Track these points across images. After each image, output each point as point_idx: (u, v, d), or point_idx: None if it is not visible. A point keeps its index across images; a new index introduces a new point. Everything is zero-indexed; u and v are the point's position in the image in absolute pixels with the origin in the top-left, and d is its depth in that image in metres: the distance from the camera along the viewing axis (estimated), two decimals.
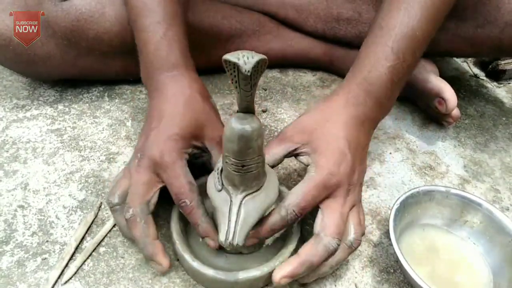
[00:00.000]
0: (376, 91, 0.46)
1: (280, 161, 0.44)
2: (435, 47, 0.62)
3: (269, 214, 0.40)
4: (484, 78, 0.82)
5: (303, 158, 0.43)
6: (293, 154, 0.44)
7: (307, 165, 0.42)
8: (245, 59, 0.28)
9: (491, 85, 0.80)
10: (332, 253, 0.39)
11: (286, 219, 0.39)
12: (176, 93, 0.45)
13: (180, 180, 0.40)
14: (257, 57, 0.28)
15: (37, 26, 0.56)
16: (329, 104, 0.46)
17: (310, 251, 0.39)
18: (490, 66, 0.82)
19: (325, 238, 0.39)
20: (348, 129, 0.44)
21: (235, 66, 0.28)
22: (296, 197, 0.39)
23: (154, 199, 0.42)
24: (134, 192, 0.41)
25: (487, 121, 0.71)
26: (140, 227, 0.40)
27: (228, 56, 0.28)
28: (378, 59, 0.46)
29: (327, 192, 0.40)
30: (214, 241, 0.40)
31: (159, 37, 0.47)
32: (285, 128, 0.45)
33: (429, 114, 0.68)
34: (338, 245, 0.39)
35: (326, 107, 0.46)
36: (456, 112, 0.62)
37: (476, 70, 0.84)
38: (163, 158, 0.41)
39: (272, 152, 0.44)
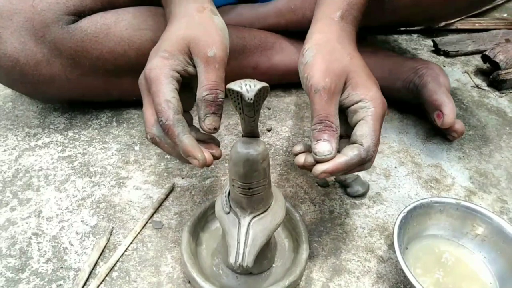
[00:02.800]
0: (356, 14, 0.49)
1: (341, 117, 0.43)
2: (417, 7, 0.66)
3: (344, 154, 0.40)
4: (486, 88, 0.83)
5: (346, 99, 0.42)
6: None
7: (352, 104, 0.42)
8: (247, 87, 0.29)
9: (493, 95, 0.81)
10: (366, 163, 0.41)
11: (364, 160, 0.40)
12: (180, 13, 0.46)
13: (159, 97, 0.40)
14: (259, 85, 0.30)
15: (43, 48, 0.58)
16: (330, 37, 0.46)
17: (353, 159, 0.39)
18: (491, 76, 0.82)
19: (369, 152, 0.40)
20: (359, 54, 0.46)
21: (238, 94, 0.30)
22: (372, 138, 0.40)
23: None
24: (144, 118, 0.42)
25: (491, 132, 0.71)
26: (171, 130, 0.39)
27: (231, 86, 0.30)
28: None
29: (383, 118, 0.42)
30: (197, 160, 0.39)
31: None
32: (322, 82, 0.41)
33: (433, 126, 0.69)
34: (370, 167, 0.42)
35: (329, 40, 0.46)
36: (459, 126, 0.63)
37: (478, 81, 0.85)
38: (149, 75, 0.41)
39: (332, 113, 0.41)
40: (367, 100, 0.41)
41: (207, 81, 0.41)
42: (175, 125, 0.39)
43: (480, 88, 0.83)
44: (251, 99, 0.29)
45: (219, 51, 0.43)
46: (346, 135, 0.43)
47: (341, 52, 0.44)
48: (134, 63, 0.52)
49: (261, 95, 0.30)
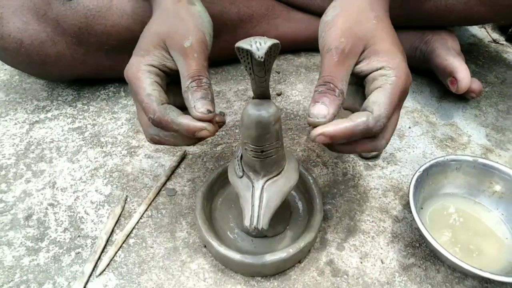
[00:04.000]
0: None
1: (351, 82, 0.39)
2: (450, 14, 0.60)
3: (350, 119, 0.35)
4: (504, 42, 0.79)
5: (363, 65, 0.38)
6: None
7: (373, 71, 0.37)
8: (257, 45, 0.28)
9: (511, 50, 0.78)
10: (372, 135, 0.37)
11: (372, 131, 0.35)
12: (157, 9, 0.44)
13: (140, 95, 0.38)
14: (269, 42, 0.28)
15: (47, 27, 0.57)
16: (358, 1, 0.41)
17: (358, 125, 0.35)
18: (510, 30, 0.79)
19: (380, 139, 0.37)
20: (388, 19, 0.41)
21: (248, 53, 0.28)
22: (385, 107, 0.35)
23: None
24: (140, 123, 0.42)
25: (508, 88, 0.69)
26: (163, 117, 0.37)
27: (240, 44, 0.28)
28: None
29: (404, 97, 0.38)
30: (206, 130, 0.36)
31: None
32: (336, 42, 0.38)
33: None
34: (385, 146, 0.38)
35: (357, 4, 0.41)
36: (477, 86, 0.60)
37: (495, 35, 0.81)
38: (127, 75, 0.40)
39: (339, 77, 0.37)
40: (389, 68, 0.37)
41: (187, 71, 0.38)
42: (164, 114, 0.37)
43: (497, 43, 0.79)
44: (262, 57, 0.28)
45: (196, 39, 0.40)
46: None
47: (367, 14, 0.40)
48: (138, 37, 0.50)
49: (271, 53, 0.29)
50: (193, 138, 0.38)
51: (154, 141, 0.41)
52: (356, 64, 0.38)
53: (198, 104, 0.36)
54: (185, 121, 0.36)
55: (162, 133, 0.39)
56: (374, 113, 0.35)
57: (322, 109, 0.35)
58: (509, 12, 0.59)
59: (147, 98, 0.37)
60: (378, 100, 0.35)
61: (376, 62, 0.37)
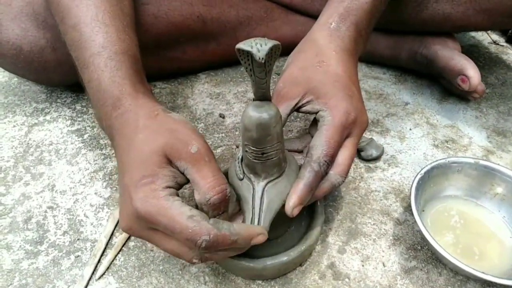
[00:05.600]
0: (357, 22, 0.45)
1: (285, 122, 0.40)
2: (447, 22, 0.60)
3: (300, 176, 0.38)
4: (504, 44, 0.79)
5: (308, 108, 0.41)
6: (296, 109, 0.42)
7: (315, 112, 0.40)
8: (258, 46, 0.28)
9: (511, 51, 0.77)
10: (335, 188, 0.40)
11: (321, 172, 0.37)
12: (130, 128, 0.38)
13: (179, 224, 0.32)
14: (270, 43, 0.28)
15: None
16: (312, 44, 0.44)
17: (309, 178, 0.37)
18: (510, 31, 0.79)
19: (334, 176, 0.39)
20: (343, 63, 0.42)
21: (248, 54, 0.28)
22: (322, 148, 0.37)
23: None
24: (174, 254, 0.35)
25: (509, 89, 0.68)
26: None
27: (241, 45, 0.28)
28: None
29: (347, 132, 0.39)
30: (262, 236, 0.36)
31: (100, 70, 0.41)
32: (277, 86, 0.42)
33: (449, 89, 0.67)
34: (343, 181, 0.40)
35: (309, 48, 0.44)
36: (481, 86, 0.60)
37: (495, 37, 0.81)
38: (147, 212, 0.33)
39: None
40: (325, 109, 0.39)
41: (205, 181, 0.34)
42: (220, 229, 0.33)
43: (497, 44, 0.79)
44: (262, 58, 0.28)
45: (200, 142, 0.36)
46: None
47: (311, 60, 0.42)
48: (140, 40, 0.50)
49: (272, 54, 0.29)
50: (248, 245, 0.35)
51: (203, 260, 0.35)
52: (301, 106, 0.41)
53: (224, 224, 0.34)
54: (242, 229, 0.34)
55: (214, 251, 0.34)
56: (313, 157, 0.37)
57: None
58: (507, 21, 0.59)
59: (191, 222, 0.32)
60: (316, 143, 0.38)
61: (316, 104, 0.40)
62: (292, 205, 0.36)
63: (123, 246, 0.45)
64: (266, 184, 0.37)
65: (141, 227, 0.34)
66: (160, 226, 0.33)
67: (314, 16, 0.71)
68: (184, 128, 0.37)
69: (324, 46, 0.43)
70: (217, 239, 0.33)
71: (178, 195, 0.35)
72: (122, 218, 0.35)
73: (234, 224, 0.34)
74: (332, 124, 0.38)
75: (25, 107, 0.65)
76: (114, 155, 0.57)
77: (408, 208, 0.50)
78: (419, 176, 0.45)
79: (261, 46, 0.28)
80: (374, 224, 0.48)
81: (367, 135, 0.59)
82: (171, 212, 0.33)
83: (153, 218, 0.33)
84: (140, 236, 0.36)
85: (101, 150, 0.57)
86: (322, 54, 0.42)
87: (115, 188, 0.52)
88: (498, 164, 0.47)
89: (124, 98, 0.39)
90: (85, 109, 0.64)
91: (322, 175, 0.38)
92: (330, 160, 0.38)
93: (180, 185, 0.36)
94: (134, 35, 0.47)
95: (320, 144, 0.38)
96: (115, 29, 0.44)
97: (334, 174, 0.39)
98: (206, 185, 0.34)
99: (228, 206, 0.36)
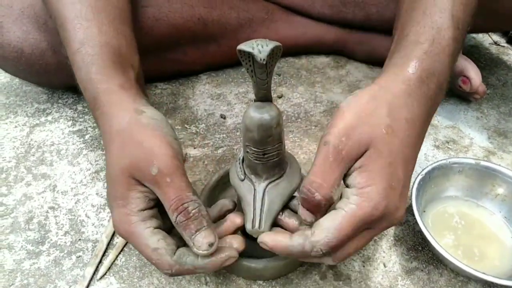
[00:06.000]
0: (439, 72, 0.35)
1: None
2: None
3: (291, 236, 0.34)
4: (505, 45, 0.79)
5: (349, 178, 0.33)
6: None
7: (346, 187, 0.33)
8: (259, 47, 0.28)
9: None
10: (319, 257, 0.34)
11: (309, 254, 0.32)
12: (109, 133, 0.37)
13: (145, 252, 0.34)
14: (271, 44, 0.28)
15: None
16: (384, 95, 0.34)
17: (294, 248, 0.33)
18: (511, 32, 0.79)
19: (315, 249, 0.32)
20: (409, 138, 0.34)
21: (249, 55, 0.28)
22: (327, 235, 0.31)
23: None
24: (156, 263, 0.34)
25: (510, 90, 0.68)
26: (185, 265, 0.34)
27: (242, 46, 0.28)
28: (438, 29, 0.36)
29: (365, 227, 0.33)
30: (233, 258, 0.35)
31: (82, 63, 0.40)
32: (336, 135, 0.33)
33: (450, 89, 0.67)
34: (335, 264, 0.35)
35: (381, 99, 0.34)
36: (482, 87, 0.60)
37: (496, 38, 0.81)
38: (121, 234, 0.35)
39: (329, 183, 0.32)
40: (356, 194, 0.32)
41: (168, 203, 0.33)
42: (182, 264, 0.33)
43: (498, 45, 0.79)
44: (264, 59, 0.28)
45: (163, 160, 0.34)
46: None
47: (379, 119, 0.33)
48: (140, 42, 0.49)
49: (274, 55, 0.29)
50: (218, 269, 0.35)
51: (174, 275, 0.35)
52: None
53: (197, 242, 0.32)
54: (208, 262, 0.33)
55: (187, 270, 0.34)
56: (312, 238, 0.32)
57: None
58: (507, 23, 0.59)
59: (155, 254, 0.33)
60: (324, 225, 0.32)
61: (353, 178, 0.33)
62: (263, 241, 0.34)
63: (124, 246, 0.45)
64: (267, 185, 0.37)
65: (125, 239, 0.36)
66: (138, 249, 0.34)
67: (315, 17, 0.71)
68: (150, 140, 0.35)
69: (398, 106, 0.34)
70: (180, 272, 0.34)
71: (152, 213, 0.35)
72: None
73: (200, 261, 0.33)
74: (351, 215, 0.31)
75: (27, 107, 0.65)
76: None
77: (409, 209, 0.50)
78: (420, 176, 0.45)
79: (262, 47, 0.28)
80: None
81: None
82: (139, 241, 0.34)
83: (127, 240, 0.35)
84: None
85: (102, 151, 0.57)
86: (393, 117, 0.33)
87: None
88: (499, 165, 0.47)
89: (99, 97, 0.38)
90: (86, 109, 0.64)
91: (308, 256, 0.33)
92: (329, 252, 0.32)
93: (156, 198, 0.35)
94: (125, 26, 0.46)
95: (327, 228, 0.31)
96: (96, 23, 0.43)
97: (330, 255, 0.33)
98: (169, 208, 0.33)
99: (203, 222, 0.33)
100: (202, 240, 0.32)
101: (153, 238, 0.33)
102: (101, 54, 0.41)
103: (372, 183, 0.32)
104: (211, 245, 0.32)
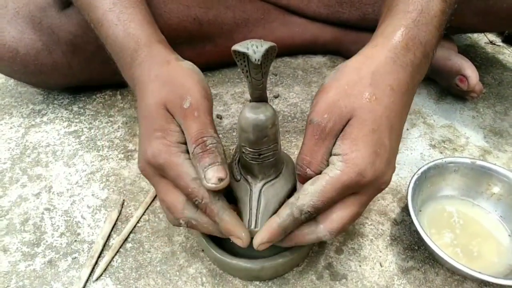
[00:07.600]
0: (426, 42, 0.36)
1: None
2: None
3: (277, 214, 0.35)
4: (501, 44, 0.80)
5: (333, 148, 0.35)
6: None
7: (332, 155, 0.35)
8: (254, 48, 0.28)
9: (508, 51, 0.78)
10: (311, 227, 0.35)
11: (300, 220, 0.34)
12: (145, 78, 0.39)
13: (183, 179, 0.35)
14: (266, 45, 0.28)
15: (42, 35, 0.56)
16: (370, 64, 0.35)
17: (285, 220, 0.34)
18: (507, 32, 0.79)
19: (323, 231, 0.35)
20: (394, 104, 0.34)
21: (244, 56, 0.28)
22: (311, 198, 0.33)
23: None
24: (168, 205, 0.37)
25: (505, 89, 0.69)
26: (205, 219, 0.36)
27: (237, 47, 0.28)
28: (427, 0, 0.37)
29: (351, 192, 0.34)
30: (240, 240, 0.35)
31: (114, 23, 0.43)
32: (318, 111, 0.34)
33: (446, 87, 0.67)
34: (331, 239, 0.36)
35: (365, 68, 0.35)
36: (479, 86, 0.60)
37: (492, 37, 0.81)
38: (158, 163, 0.35)
39: (317, 159, 0.34)
40: (340, 160, 0.33)
41: (190, 136, 0.35)
42: (213, 203, 0.34)
43: (494, 44, 0.79)
44: (259, 60, 0.28)
45: (195, 96, 0.36)
46: None
47: (362, 88, 0.34)
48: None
49: (268, 56, 0.29)
50: (225, 236, 0.36)
51: (189, 225, 0.37)
52: None
53: (208, 174, 0.33)
54: (227, 218, 0.34)
55: (202, 218, 0.36)
56: (298, 202, 0.34)
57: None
58: (502, 24, 0.59)
59: (193, 183, 0.34)
60: (308, 189, 0.33)
61: (337, 146, 0.34)
62: (260, 241, 0.35)
63: (120, 247, 0.45)
64: (263, 185, 0.37)
65: (153, 172, 0.37)
66: (168, 177, 0.35)
67: (311, 17, 0.71)
68: (187, 79, 0.38)
69: (382, 73, 0.35)
70: (205, 208, 0.35)
71: (188, 153, 0.36)
72: (139, 160, 0.38)
73: (227, 211, 0.35)
74: (335, 179, 0.33)
75: (22, 108, 0.65)
76: (110, 156, 0.57)
77: (405, 208, 0.50)
78: (416, 176, 0.45)
79: (257, 47, 0.28)
80: (371, 224, 0.48)
81: None
82: (180, 169, 0.35)
83: (163, 170, 0.35)
84: (150, 180, 0.38)
85: (98, 152, 0.57)
86: (376, 85, 0.34)
87: (112, 190, 0.52)
88: (495, 164, 0.47)
89: (140, 49, 0.41)
90: (82, 110, 0.64)
91: (301, 222, 0.35)
92: (316, 212, 0.34)
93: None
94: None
95: (311, 192, 0.33)
96: None
97: (324, 228, 0.35)
98: (190, 139, 0.35)
99: (218, 157, 0.34)
100: (213, 174, 0.33)
101: (193, 169, 0.35)
102: (136, 14, 0.43)
103: (356, 149, 0.33)
104: (220, 180, 0.33)
